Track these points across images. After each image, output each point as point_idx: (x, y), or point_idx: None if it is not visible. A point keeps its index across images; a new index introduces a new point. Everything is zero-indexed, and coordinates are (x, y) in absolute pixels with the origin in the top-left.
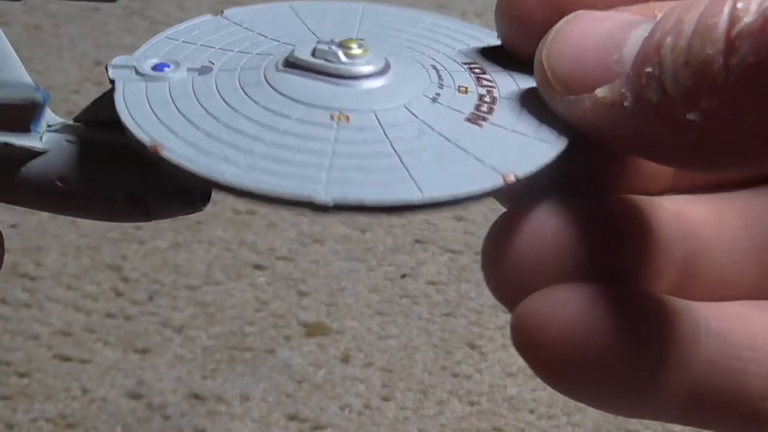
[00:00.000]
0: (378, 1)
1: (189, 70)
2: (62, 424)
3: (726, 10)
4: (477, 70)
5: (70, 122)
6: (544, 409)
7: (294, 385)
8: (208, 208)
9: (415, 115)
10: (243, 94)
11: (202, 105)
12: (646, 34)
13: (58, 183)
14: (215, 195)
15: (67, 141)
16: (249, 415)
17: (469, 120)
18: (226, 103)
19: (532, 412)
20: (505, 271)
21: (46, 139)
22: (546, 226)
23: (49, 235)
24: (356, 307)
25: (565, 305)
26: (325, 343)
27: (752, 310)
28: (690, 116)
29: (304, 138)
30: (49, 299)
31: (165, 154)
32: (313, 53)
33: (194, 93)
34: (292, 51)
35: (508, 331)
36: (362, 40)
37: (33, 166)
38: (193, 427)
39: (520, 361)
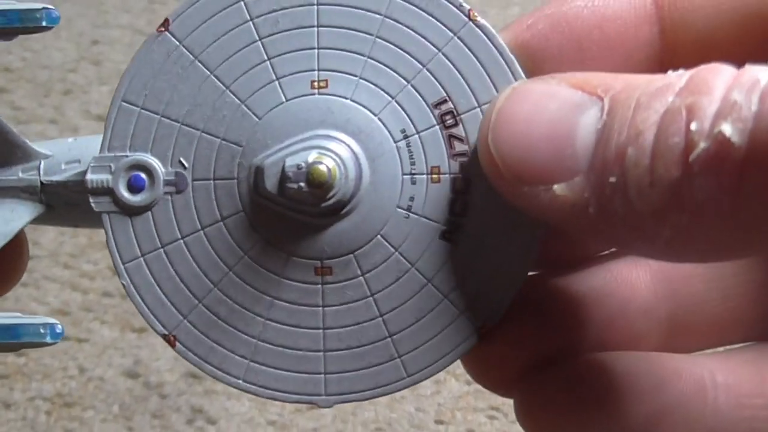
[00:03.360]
0: None
1: (165, 184)
2: (59, 403)
3: (682, 129)
4: (449, 120)
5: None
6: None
7: None
8: None
9: (393, 247)
10: (229, 244)
11: (198, 265)
12: (599, 126)
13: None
14: None
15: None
16: (246, 394)
17: (443, 236)
18: (217, 259)
19: None
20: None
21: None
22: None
23: None
24: None
25: (556, 383)
26: None
27: (760, 354)
28: (659, 230)
29: (296, 313)
30: (45, 278)
31: (178, 349)
32: (281, 191)
33: (183, 240)
34: (262, 176)
35: None
36: (328, 156)
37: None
38: (190, 405)
39: None
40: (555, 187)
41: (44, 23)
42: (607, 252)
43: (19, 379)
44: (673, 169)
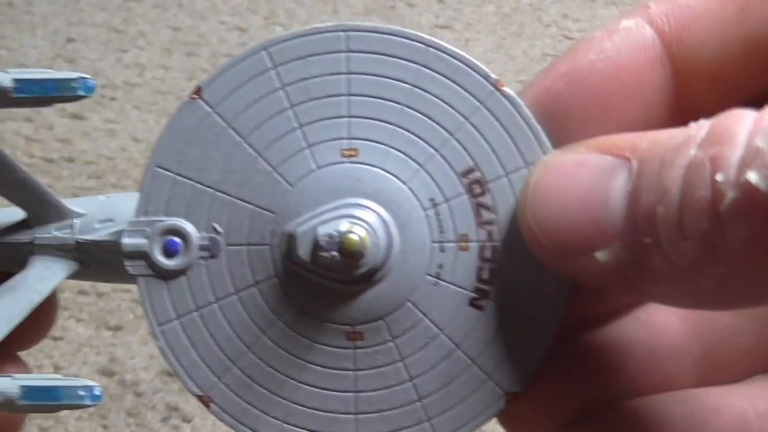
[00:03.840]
0: (356, 21)
1: (200, 248)
2: None
3: (707, 181)
4: (476, 189)
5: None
6: None
7: None
8: None
9: (422, 313)
10: (262, 308)
11: (233, 329)
12: (629, 189)
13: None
14: None
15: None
16: None
17: (472, 303)
18: (250, 323)
19: None
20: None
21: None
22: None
23: None
24: None
25: None
26: None
27: None
28: (699, 281)
29: (328, 376)
30: None
31: (213, 410)
32: (313, 259)
33: (218, 303)
34: (295, 244)
35: None
36: (360, 225)
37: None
38: (165, 403)
39: None
40: (596, 254)
41: (80, 93)
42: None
43: None
44: (704, 221)
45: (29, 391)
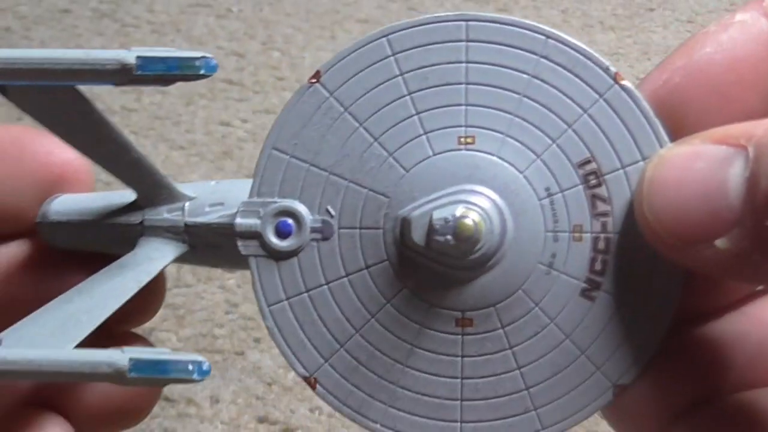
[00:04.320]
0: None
1: (312, 230)
2: None
3: None
4: (592, 180)
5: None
6: None
7: (264, 387)
8: None
9: (534, 302)
10: (372, 292)
11: (342, 311)
12: (747, 175)
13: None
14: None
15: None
16: (219, 417)
17: (583, 293)
18: (360, 306)
19: None
20: None
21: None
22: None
23: None
24: None
25: None
26: None
27: None
28: None
29: (435, 362)
30: None
31: (318, 391)
32: (428, 243)
33: (328, 285)
34: (409, 228)
35: None
36: (475, 211)
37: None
38: (163, 429)
39: None
40: (716, 242)
41: (202, 71)
42: (740, 297)
43: None
44: None
45: (139, 364)
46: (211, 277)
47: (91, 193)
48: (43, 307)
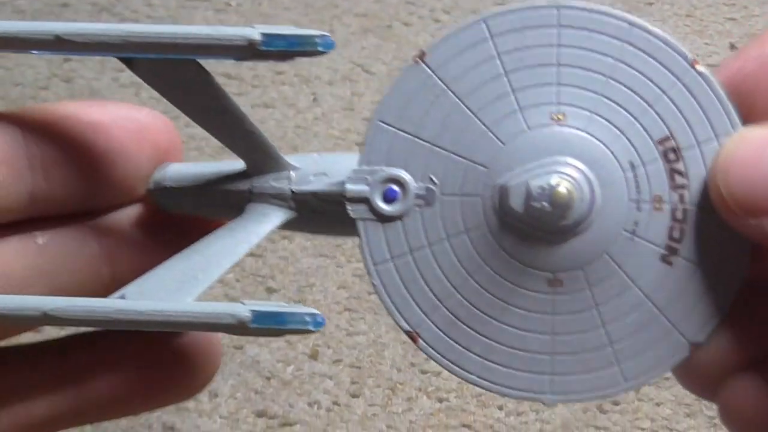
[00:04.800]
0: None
1: (416, 197)
2: None
3: None
4: (671, 156)
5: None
6: (513, 405)
7: (262, 381)
8: None
9: (617, 265)
10: (471, 253)
11: (442, 271)
12: None
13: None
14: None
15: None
16: (217, 412)
17: (662, 258)
18: (459, 266)
19: (500, 408)
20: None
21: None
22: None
23: None
24: (325, 304)
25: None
26: (293, 339)
27: None
28: None
29: (528, 319)
30: None
31: (420, 345)
32: (526, 209)
33: (430, 247)
34: (507, 195)
35: None
36: (568, 180)
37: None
38: (161, 423)
39: None
40: None
41: (320, 48)
42: None
43: None
44: None
45: (260, 316)
46: None
47: (199, 162)
48: (160, 265)
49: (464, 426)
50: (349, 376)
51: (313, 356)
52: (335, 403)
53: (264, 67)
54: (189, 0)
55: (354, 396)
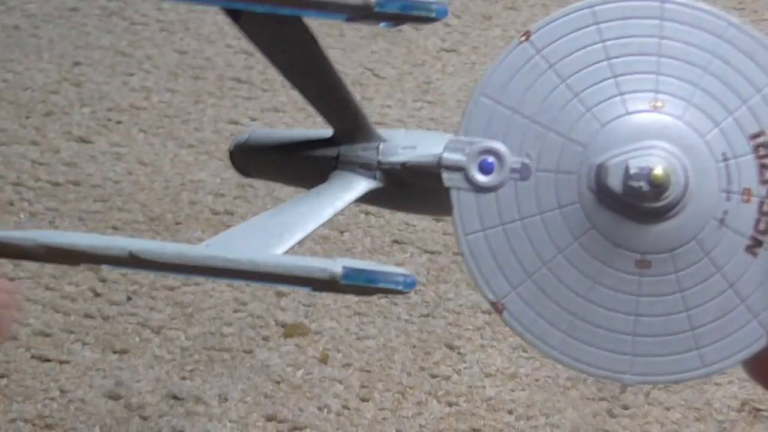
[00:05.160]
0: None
1: (511, 171)
2: (41, 425)
3: None
4: (762, 152)
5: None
6: (523, 409)
7: (272, 385)
8: (186, 209)
9: (704, 252)
10: (563, 229)
11: (532, 245)
12: None
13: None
14: (194, 195)
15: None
16: (227, 416)
17: (747, 249)
18: (550, 241)
19: (510, 412)
20: None
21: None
22: None
23: None
24: (334, 308)
25: None
26: (303, 343)
27: None
28: None
29: (613, 298)
30: (27, 300)
31: (505, 317)
32: (624, 188)
33: (521, 221)
34: (606, 173)
35: (486, 332)
36: (666, 163)
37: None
38: (171, 427)
39: (499, 362)
40: None
41: (434, 15)
42: None
43: (0, 401)
44: None
45: (352, 273)
46: None
47: (286, 129)
48: (244, 222)
49: (474, 430)
50: (359, 380)
51: (323, 360)
52: (345, 407)
53: (274, 71)
54: (199, 4)
55: (364, 400)
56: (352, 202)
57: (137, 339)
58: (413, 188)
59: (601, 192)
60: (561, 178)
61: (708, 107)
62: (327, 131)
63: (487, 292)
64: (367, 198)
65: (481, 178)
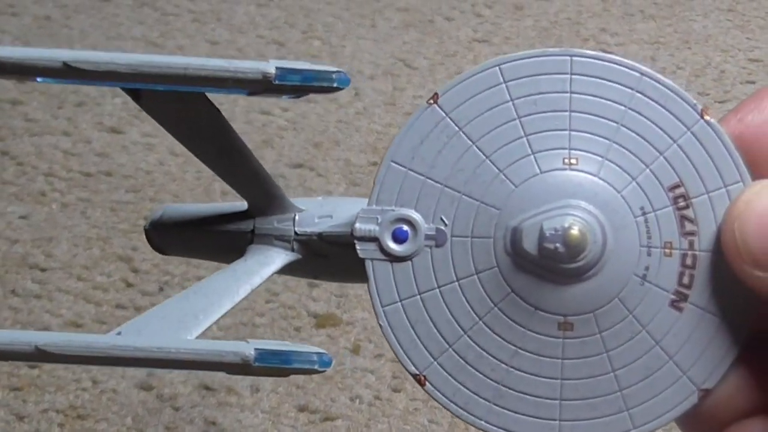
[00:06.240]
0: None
1: (426, 238)
2: (73, 415)
3: None
4: (681, 203)
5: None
6: None
7: (304, 376)
8: (218, 200)
9: (628, 310)
10: (481, 295)
11: (451, 313)
12: None
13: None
14: (225, 185)
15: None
16: (259, 406)
17: (672, 304)
18: (469, 308)
19: None
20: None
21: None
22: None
23: (60, 226)
24: (366, 298)
25: None
26: (335, 334)
27: None
28: None
29: (537, 363)
30: (59, 290)
31: (428, 389)
32: (539, 250)
33: (439, 289)
34: (521, 236)
35: None
36: (581, 222)
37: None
38: (203, 418)
39: None
40: None
41: (335, 85)
42: None
43: (33, 391)
44: None
45: (264, 354)
46: None
47: (200, 204)
48: (159, 305)
49: None
50: (391, 371)
51: (355, 351)
52: (377, 397)
53: (306, 62)
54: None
55: (396, 391)
56: (269, 277)
57: None
58: (331, 258)
59: (518, 255)
60: (477, 242)
61: (623, 161)
62: (242, 204)
63: (408, 364)
64: (285, 270)
65: (395, 248)
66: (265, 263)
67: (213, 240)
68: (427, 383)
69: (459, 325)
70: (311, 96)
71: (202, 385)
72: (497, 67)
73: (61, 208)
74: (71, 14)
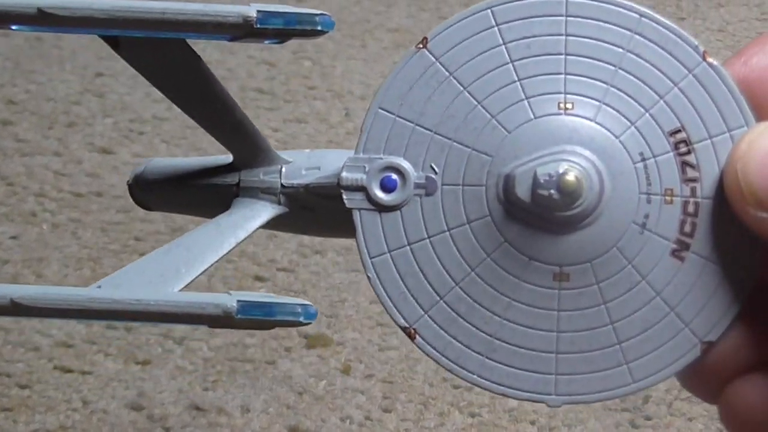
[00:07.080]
0: None
1: (415, 186)
2: None
3: None
4: (682, 148)
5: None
6: (545, 420)
7: (295, 396)
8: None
9: (627, 260)
10: (473, 246)
11: (442, 264)
12: None
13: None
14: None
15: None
16: (250, 427)
17: (673, 253)
18: (460, 259)
19: (533, 423)
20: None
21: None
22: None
23: (50, 246)
24: (357, 319)
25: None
26: (325, 354)
27: None
28: None
29: (532, 315)
30: None
31: (418, 342)
32: (533, 197)
33: (429, 239)
34: (513, 183)
35: None
36: (577, 168)
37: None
38: None
39: None
40: None
41: (319, 27)
42: None
43: (23, 412)
44: None
45: (246, 306)
46: (241, 286)
47: (184, 158)
48: (141, 258)
49: None
50: (381, 391)
51: (346, 371)
52: (367, 418)
53: (297, 82)
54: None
55: (386, 411)
56: (255, 230)
57: (160, 350)
58: (318, 211)
59: (511, 203)
60: (468, 191)
61: (621, 106)
62: (227, 157)
63: (397, 317)
64: (271, 224)
65: (383, 197)
66: (251, 216)
67: (197, 194)
68: (417, 337)
69: (450, 277)
70: (301, 116)
71: (193, 405)
72: (489, 10)
73: (51, 228)
74: (62, 35)
